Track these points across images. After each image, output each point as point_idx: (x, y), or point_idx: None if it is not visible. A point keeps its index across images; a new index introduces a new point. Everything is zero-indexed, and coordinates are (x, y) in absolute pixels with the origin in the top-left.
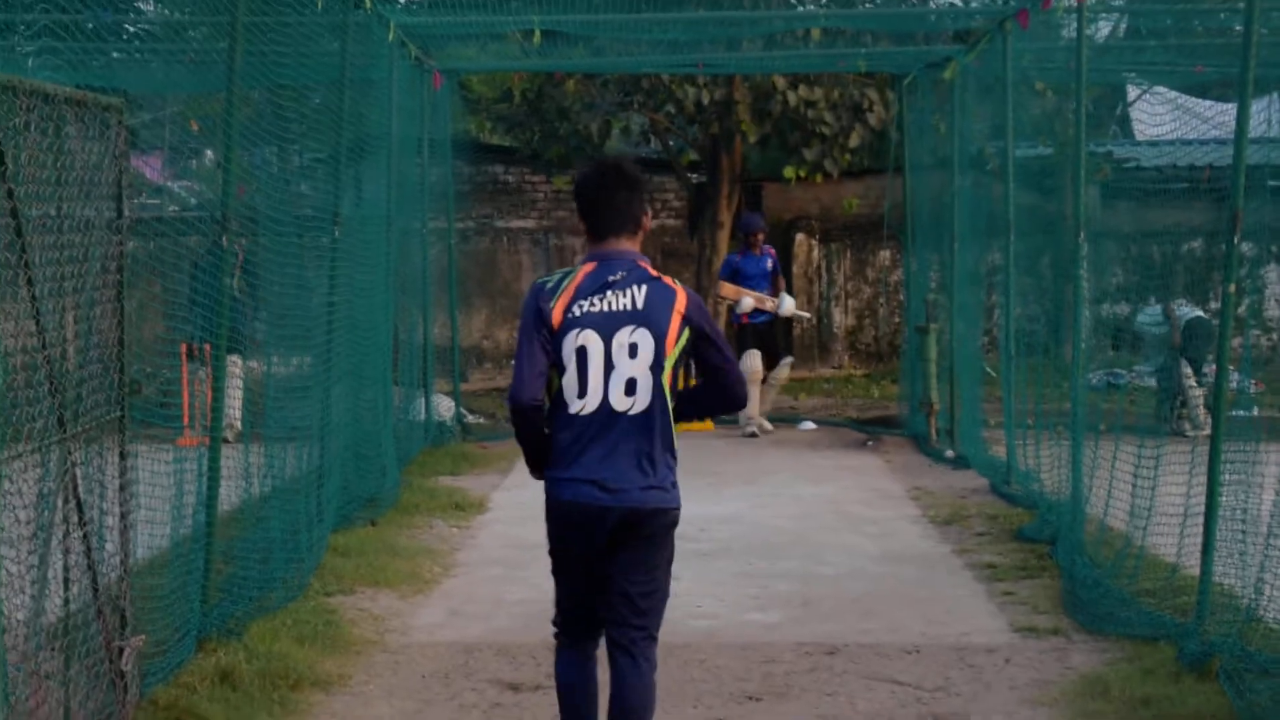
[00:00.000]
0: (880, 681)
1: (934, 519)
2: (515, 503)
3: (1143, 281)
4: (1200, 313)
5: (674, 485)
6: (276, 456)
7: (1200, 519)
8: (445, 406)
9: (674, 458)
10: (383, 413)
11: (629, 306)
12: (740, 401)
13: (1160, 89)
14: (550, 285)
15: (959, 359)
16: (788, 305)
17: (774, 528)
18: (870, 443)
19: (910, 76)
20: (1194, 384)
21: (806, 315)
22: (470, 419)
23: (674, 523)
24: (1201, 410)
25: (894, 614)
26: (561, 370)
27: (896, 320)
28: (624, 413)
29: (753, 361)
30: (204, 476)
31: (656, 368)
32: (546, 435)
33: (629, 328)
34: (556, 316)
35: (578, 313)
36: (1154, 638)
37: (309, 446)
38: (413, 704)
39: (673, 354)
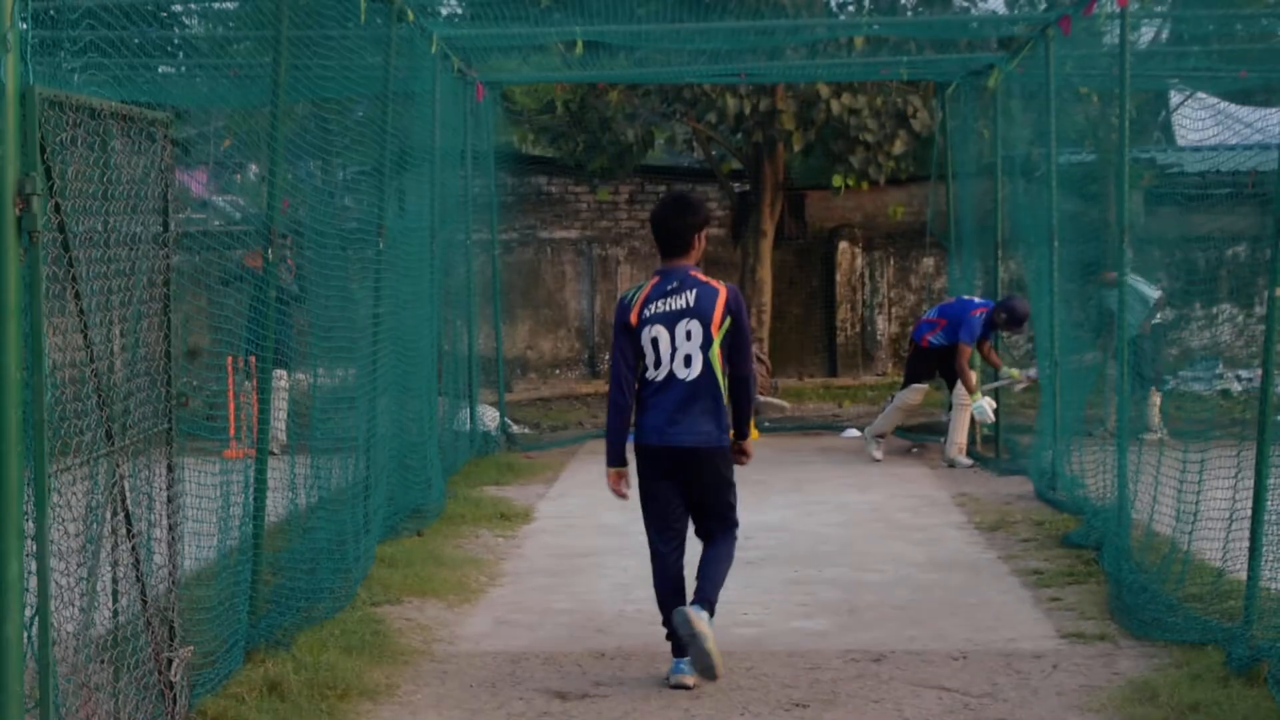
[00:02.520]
0: (927, 688)
1: (980, 525)
2: (561, 512)
3: (1187, 287)
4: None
5: (721, 429)
6: (323, 468)
7: (1246, 522)
8: (490, 417)
9: (722, 410)
10: (428, 424)
11: (685, 305)
12: (745, 397)
13: (1202, 95)
14: (628, 299)
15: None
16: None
17: (820, 535)
18: (915, 450)
19: (953, 84)
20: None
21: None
22: (515, 429)
23: (723, 455)
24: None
25: (940, 621)
26: (642, 355)
27: None
28: (684, 380)
29: (915, 397)
30: (250, 488)
31: (706, 346)
32: (629, 413)
33: (685, 320)
34: (634, 319)
35: (649, 314)
36: (1201, 643)
37: (355, 458)
38: (460, 713)
39: (718, 335)
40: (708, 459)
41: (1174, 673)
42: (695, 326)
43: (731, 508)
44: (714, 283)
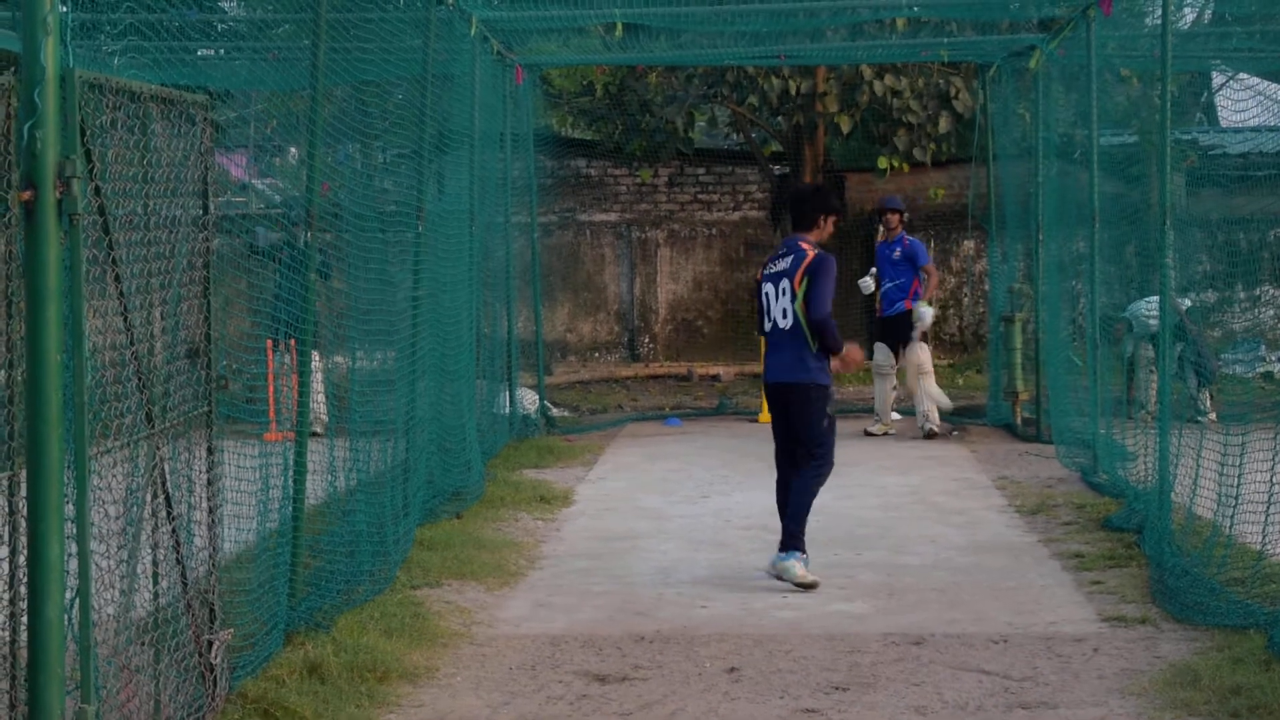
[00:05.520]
0: (967, 671)
1: (1020, 509)
2: (600, 495)
3: (1229, 269)
4: (1189, 302)
5: (812, 369)
6: (362, 451)
7: None
8: (529, 400)
9: (812, 353)
10: (467, 407)
11: (784, 268)
12: (816, 333)
13: (1244, 75)
14: (763, 262)
15: (1045, 348)
16: (921, 317)
17: (859, 519)
18: (955, 432)
19: (994, 66)
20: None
21: (929, 315)
22: (554, 412)
23: (816, 393)
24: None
25: (980, 604)
26: (763, 306)
27: (981, 310)
28: (781, 329)
29: (881, 356)
30: (290, 471)
31: (793, 300)
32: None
33: (782, 280)
34: (759, 276)
35: (765, 274)
36: (1243, 627)
37: (394, 441)
38: (500, 695)
39: (799, 292)
40: (795, 394)
41: (1215, 656)
42: (786, 285)
43: (818, 443)
44: (810, 251)
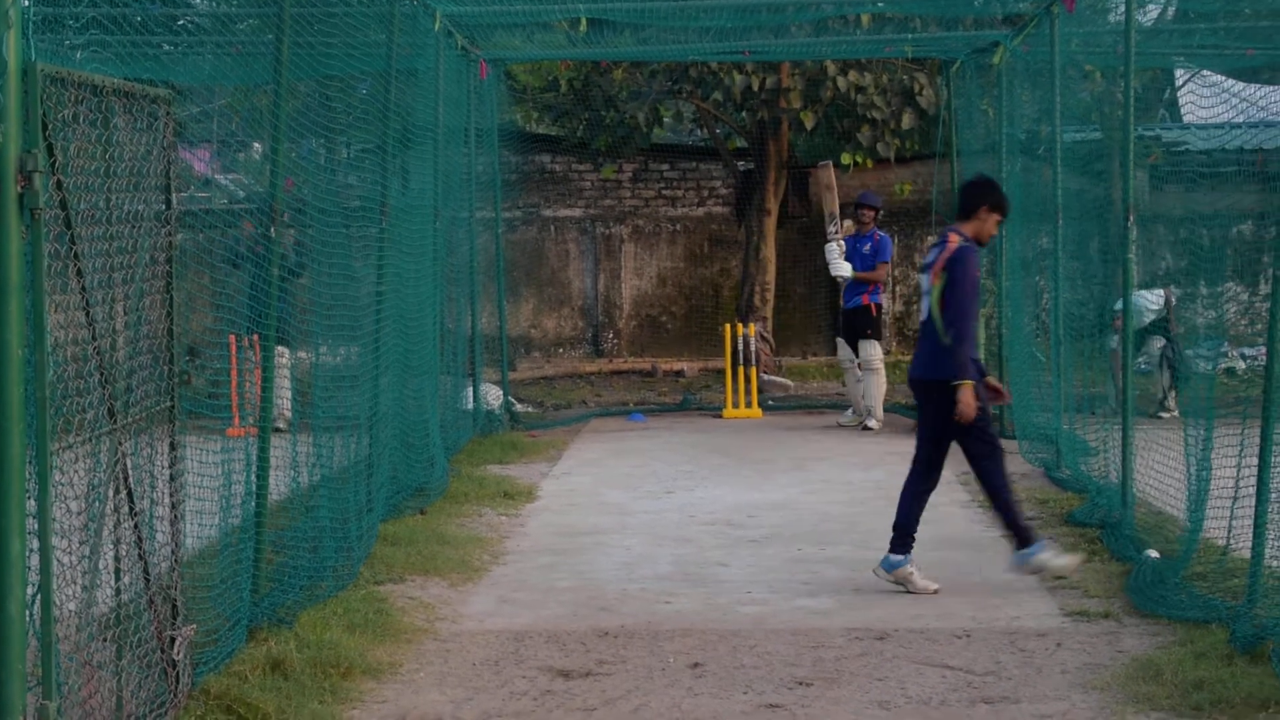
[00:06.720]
0: (931, 666)
1: (984, 504)
2: (564, 491)
3: (1193, 265)
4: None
5: (939, 368)
6: (325, 446)
7: (1250, 500)
8: (493, 395)
9: (939, 350)
10: (431, 402)
11: (929, 259)
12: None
13: (1208, 72)
14: None
15: (1008, 344)
16: (836, 269)
17: (824, 514)
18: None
19: (958, 62)
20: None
21: (844, 276)
22: (518, 408)
23: (933, 389)
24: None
25: (944, 599)
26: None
27: None
28: (923, 320)
29: (843, 352)
30: (253, 466)
31: (929, 293)
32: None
33: (928, 271)
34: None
35: (922, 263)
36: (1206, 621)
37: (358, 436)
38: (464, 691)
39: (936, 286)
40: (924, 390)
41: (1178, 650)
42: (927, 277)
43: (976, 436)
44: (952, 241)
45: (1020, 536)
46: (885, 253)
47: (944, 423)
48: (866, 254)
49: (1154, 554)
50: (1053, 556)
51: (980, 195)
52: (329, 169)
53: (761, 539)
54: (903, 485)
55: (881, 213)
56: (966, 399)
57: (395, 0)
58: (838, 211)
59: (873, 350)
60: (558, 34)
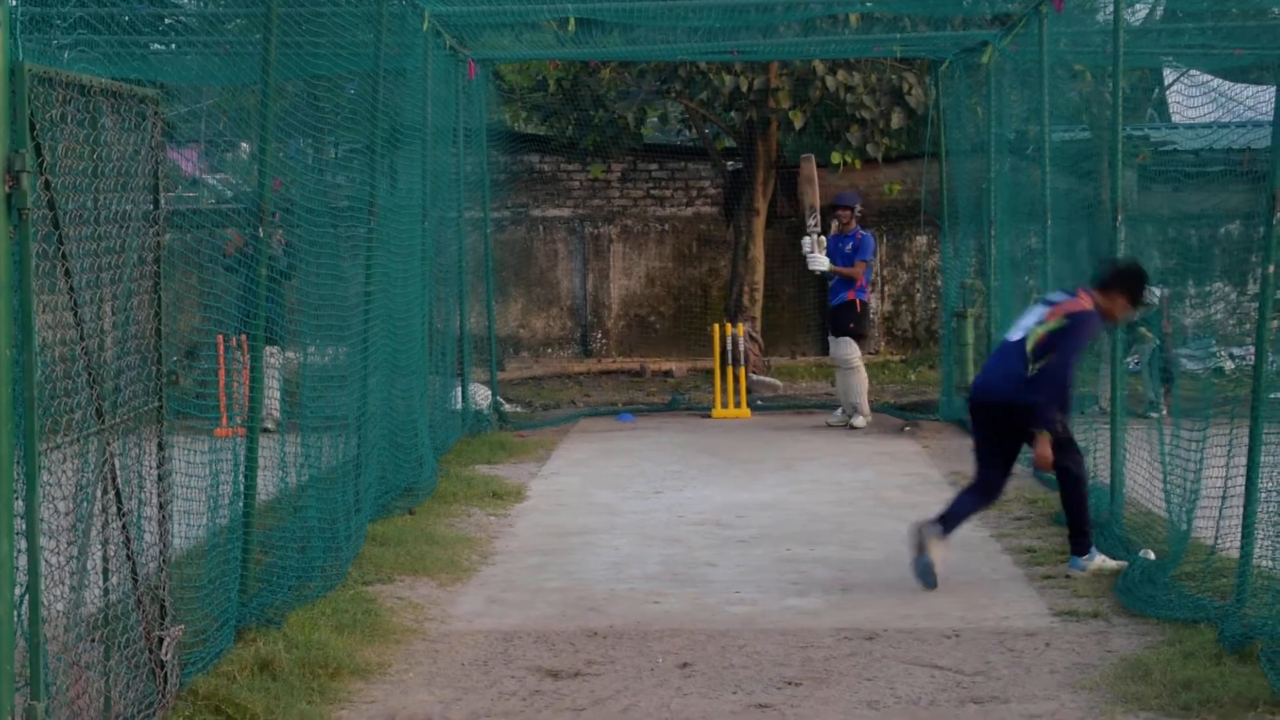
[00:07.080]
0: (920, 666)
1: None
2: (553, 491)
3: (1181, 264)
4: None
5: (1026, 390)
6: (314, 446)
7: (1239, 500)
8: (482, 395)
9: (1028, 378)
10: (419, 402)
11: (1053, 298)
12: (1034, 405)
13: (1195, 72)
14: None
15: (996, 344)
16: (812, 263)
17: (813, 514)
18: (908, 428)
19: (947, 62)
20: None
21: (820, 269)
22: (507, 408)
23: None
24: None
25: (933, 599)
26: None
27: (934, 305)
28: (1018, 344)
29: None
30: (241, 466)
31: (1040, 323)
32: None
33: (1043, 305)
34: None
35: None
36: (1194, 620)
37: (346, 436)
38: (452, 692)
39: (1049, 323)
40: (1004, 413)
41: (1166, 650)
42: (1043, 312)
43: (1061, 448)
44: (1084, 300)
45: (1081, 542)
46: (866, 251)
47: (1016, 443)
48: (848, 253)
49: (1150, 555)
50: (1098, 562)
51: (1126, 281)
52: (317, 169)
53: (750, 539)
54: (960, 494)
55: (860, 210)
56: (1044, 451)
57: (383, 0)
58: (817, 205)
59: (847, 349)
60: (546, 34)
